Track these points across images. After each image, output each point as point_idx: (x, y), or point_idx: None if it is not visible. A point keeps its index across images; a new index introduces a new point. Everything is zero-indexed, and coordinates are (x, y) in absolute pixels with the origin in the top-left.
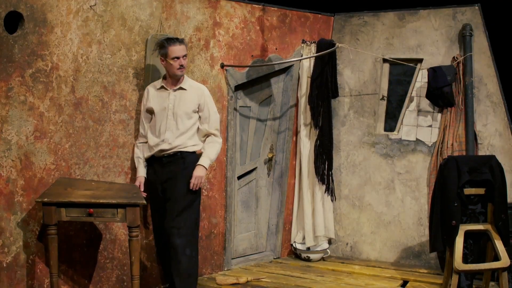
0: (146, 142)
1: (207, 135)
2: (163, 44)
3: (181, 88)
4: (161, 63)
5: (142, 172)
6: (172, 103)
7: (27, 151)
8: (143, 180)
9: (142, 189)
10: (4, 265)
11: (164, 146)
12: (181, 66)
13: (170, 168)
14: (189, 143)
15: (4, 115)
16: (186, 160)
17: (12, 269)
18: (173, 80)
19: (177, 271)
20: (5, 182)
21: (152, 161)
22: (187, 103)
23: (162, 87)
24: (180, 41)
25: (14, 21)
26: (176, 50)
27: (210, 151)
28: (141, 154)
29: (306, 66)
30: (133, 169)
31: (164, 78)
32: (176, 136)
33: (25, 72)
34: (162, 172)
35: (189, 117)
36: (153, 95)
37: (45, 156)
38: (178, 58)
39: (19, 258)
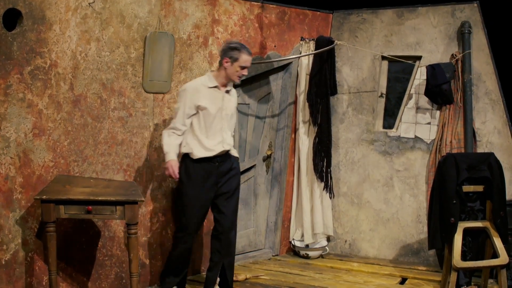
0: (181, 136)
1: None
2: (238, 48)
3: (227, 92)
4: (223, 63)
5: (174, 155)
6: (226, 104)
7: (26, 148)
8: (175, 164)
9: (176, 171)
10: (3, 262)
11: (226, 147)
12: (242, 76)
13: (224, 167)
14: (232, 143)
15: (2, 113)
16: (231, 159)
17: (11, 267)
18: (224, 82)
19: (230, 264)
20: (3, 180)
21: (200, 160)
22: (232, 106)
23: (215, 86)
24: (250, 52)
25: (12, 18)
26: (247, 60)
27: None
28: (176, 142)
29: (305, 64)
30: (132, 166)
31: (208, 77)
32: (230, 137)
33: (24, 70)
34: (216, 171)
35: (231, 118)
36: (205, 94)
37: (44, 154)
38: (244, 68)
39: (17, 256)
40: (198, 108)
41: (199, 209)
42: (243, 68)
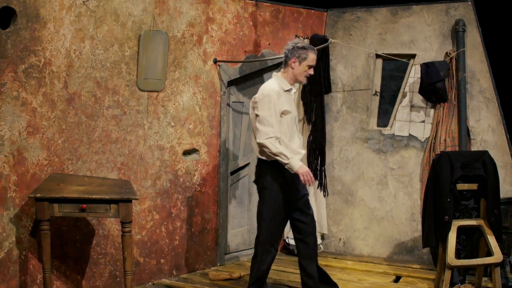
0: None
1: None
2: (305, 48)
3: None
4: (290, 63)
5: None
6: (294, 106)
7: (20, 146)
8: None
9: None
10: None
11: (303, 149)
12: (309, 75)
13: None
14: None
15: None
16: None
17: (5, 265)
18: (291, 83)
19: (316, 260)
20: None
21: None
22: (295, 107)
23: (289, 89)
24: (316, 52)
25: (6, 16)
26: (314, 59)
27: None
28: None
29: None
30: (126, 164)
31: (279, 79)
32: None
33: (18, 68)
34: (293, 174)
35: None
36: (284, 98)
37: (38, 152)
38: (311, 67)
39: (12, 254)
40: (283, 113)
41: (287, 214)
42: (310, 67)
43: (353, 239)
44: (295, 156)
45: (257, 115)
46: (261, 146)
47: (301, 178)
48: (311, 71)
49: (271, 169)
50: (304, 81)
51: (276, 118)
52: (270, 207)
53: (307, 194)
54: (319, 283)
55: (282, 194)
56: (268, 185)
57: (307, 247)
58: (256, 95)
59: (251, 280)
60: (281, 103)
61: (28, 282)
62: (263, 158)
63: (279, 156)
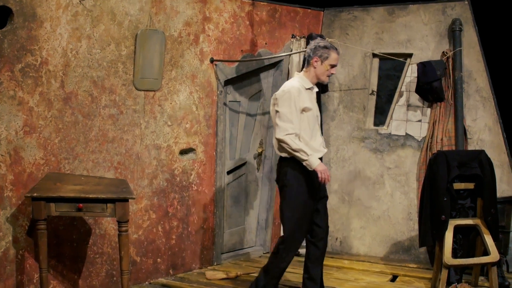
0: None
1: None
2: (327, 47)
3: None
4: (313, 62)
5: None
6: (316, 105)
7: (17, 146)
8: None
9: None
10: None
11: (325, 148)
12: (331, 75)
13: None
14: None
15: None
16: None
17: (2, 264)
18: (314, 82)
19: (322, 265)
20: None
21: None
22: (317, 106)
23: (311, 88)
24: (339, 52)
25: (3, 16)
26: (337, 58)
27: None
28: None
29: (296, 61)
30: (122, 164)
31: (301, 78)
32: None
33: (15, 67)
34: (314, 174)
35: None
36: (305, 95)
37: (35, 151)
38: (334, 66)
39: (8, 253)
40: (303, 110)
41: (310, 213)
42: (332, 66)
43: (349, 239)
44: (314, 154)
45: (277, 111)
46: (280, 142)
47: (319, 175)
48: (334, 71)
49: (291, 167)
50: (327, 80)
51: (296, 115)
52: (291, 204)
53: (326, 197)
54: None
55: (303, 192)
56: (289, 183)
57: (316, 250)
58: (276, 92)
59: (269, 275)
60: (302, 100)
61: (24, 282)
62: (283, 155)
63: (298, 153)
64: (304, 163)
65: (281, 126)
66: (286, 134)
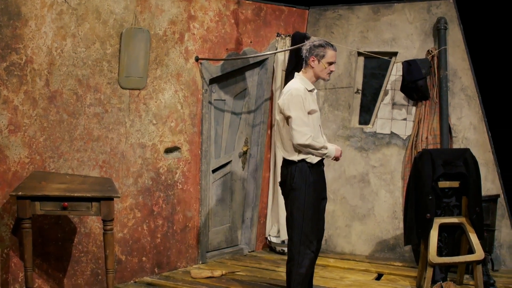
0: None
1: None
2: (323, 46)
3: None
4: (310, 62)
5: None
6: (317, 105)
7: (1, 144)
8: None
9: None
10: None
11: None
12: (331, 72)
13: (322, 170)
14: None
15: None
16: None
17: None
18: (314, 81)
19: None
20: None
21: (317, 163)
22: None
23: (312, 90)
24: (335, 48)
25: None
26: (334, 55)
27: None
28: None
29: (281, 60)
30: (108, 162)
31: (302, 79)
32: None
33: None
34: (323, 174)
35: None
36: (309, 97)
37: (20, 150)
38: (332, 63)
39: None
40: (309, 112)
41: (318, 214)
42: (330, 64)
43: (335, 237)
44: (326, 145)
45: (289, 117)
46: (303, 147)
47: (339, 156)
48: (333, 68)
49: (298, 170)
50: (327, 77)
51: (307, 117)
52: (301, 207)
53: (326, 199)
54: None
55: (311, 194)
56: (297, 186)
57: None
58: (283, 97)
59: (292, 285)
60: (308, 102)
61: (9, 281)
62: (291, 158)
63: (321, 150)
64: (325, 156)
65: (299, 131)
66: (308, 138)
